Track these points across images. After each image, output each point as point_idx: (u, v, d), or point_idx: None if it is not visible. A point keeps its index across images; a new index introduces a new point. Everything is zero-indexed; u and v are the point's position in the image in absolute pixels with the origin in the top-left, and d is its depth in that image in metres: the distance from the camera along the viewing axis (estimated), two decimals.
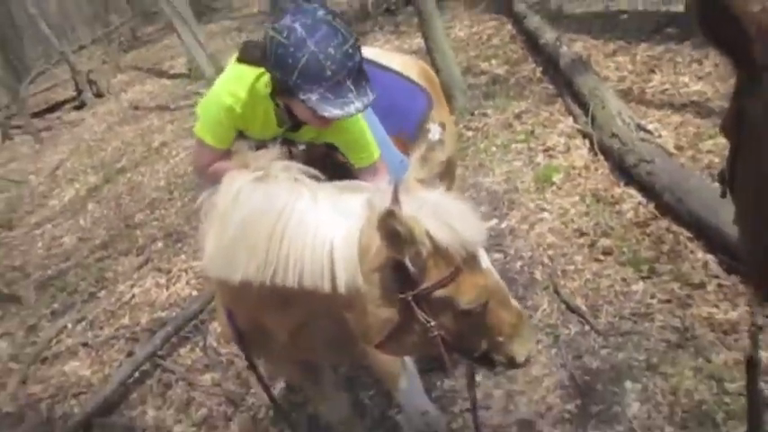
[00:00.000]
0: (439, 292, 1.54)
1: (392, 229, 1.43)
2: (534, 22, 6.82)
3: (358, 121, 2.06)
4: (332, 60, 1.67)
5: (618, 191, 4.02)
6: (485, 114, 5.61)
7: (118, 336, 4.64)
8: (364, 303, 1.60)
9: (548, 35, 6.21)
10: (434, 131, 1.71)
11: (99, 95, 12.88)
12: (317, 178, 1.78)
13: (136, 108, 11.19)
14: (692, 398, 2.64)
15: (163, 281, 5.17)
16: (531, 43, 6.68)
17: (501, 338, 1.65)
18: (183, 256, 5.40)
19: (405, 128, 2.49)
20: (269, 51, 1.73)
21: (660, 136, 4.25)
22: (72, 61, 13.08)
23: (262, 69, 1.91)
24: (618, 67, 5.55)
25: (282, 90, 1.81)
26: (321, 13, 1.71)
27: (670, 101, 4.68)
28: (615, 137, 4.22)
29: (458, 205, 1.58)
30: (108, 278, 5.57)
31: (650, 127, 4.31)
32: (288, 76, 1.71)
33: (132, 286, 5.26)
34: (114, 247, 6.17)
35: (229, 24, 15.60)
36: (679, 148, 4.12)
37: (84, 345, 4.69)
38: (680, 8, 5.99)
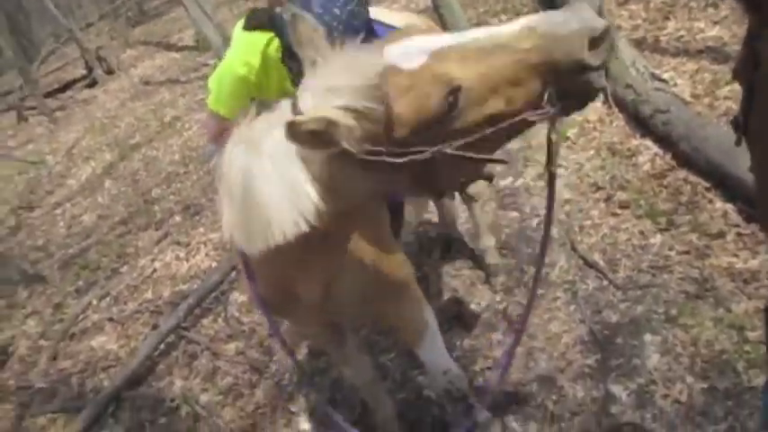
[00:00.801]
0: (402, 132, 1.33)
1: (306, 135, 1.27)
2: None
3: None
4: (338, 21, 1.66)
5: (634, 143, 3.95)
6: None
7: (142, 309, 4.73)
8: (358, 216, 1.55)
9: None
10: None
11: (109, 72, 12.90)
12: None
13: (146, 83, 11.20)
14: (712, 348, 2.63)
15: (182, 254, 5.23)
16: None
17: (543, 68, 1.31)
18: (201, 229, 5.45)
19: None
20: (276, 18, 1.74)
21: (676, 84, 4.15)
22: (80, 39, 13.08)
23: (271, 34, 1.90)
24: (631, 16, 5.41)
25: (292, 53, 1.77)
26: None
27: (685, 48, 4.56)
28: (630, 87, 4.13)
29: (345, 63, 1.37)
30: (129, 253, 5.65)
31: (665, 76, 4.21)
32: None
33: (153, 260, 5.33)
34: (133, 222, 6.24)
35: None
36: (695, 96, 4.02)
37: (110, 320, 4.79)
38: None
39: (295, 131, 1.26)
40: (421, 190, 1.53)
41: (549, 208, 1.65)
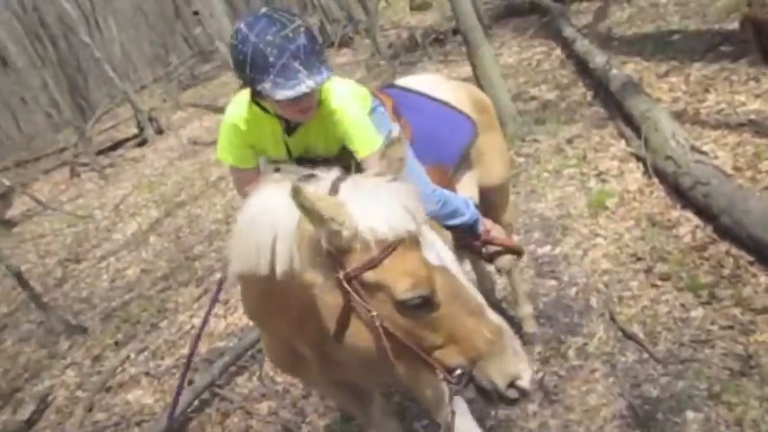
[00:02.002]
0: (370, 276, 1.55)
1: (299, 204, 1.49)
2: (583, 45, 6.79)
3: (351, 114, 2.08)
4: (272, 46, 1.77)
5: (674, 214, 3.93)
6: (536, 140, 5.60)
7: (178, 365, 4.77)
8: (315, 292, 1.65)
9: (597, 59, 6.17)
10: (395, 130, 1.79)
11: (159, 132, 13.41)
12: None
13: (194, 143, 11.60)
14: (758, 428, 2.53)
15: (221, 311, 5.29)
16: (581, 67, 6.65)
17: (476, 356, 1.57)
18: (240, 288, 5.51)
19: (445, 157, 2.54)
20: (232, 63, 1.88)
21: (716, 157, 4.15)
22: (134, 100, 13.68)
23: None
24: (671, 88, 5.46)
25: (252, 91, 1.92)
26: (263, 10, 1.85)
27: (726, 121, 4.57)
28: (670, 159, 4.14)
29: (391, 191, 1.59)
30: (169, 309, 5.75)
31: (706, 148, 4.22)
32: (244, 74, 1.83)
33: (192, 317, 5.41)
34: (175, 278, 6.37)
35: None
36: (737, 168, 4.01)
37: (147, 374, 4.84)
38: (734, 26, 5.86)
39: (294, 198, 1.47)
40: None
41: None
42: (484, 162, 2.86)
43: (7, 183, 12.26)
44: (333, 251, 1.55)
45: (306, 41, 1.81)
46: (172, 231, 7.85)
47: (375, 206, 1.54)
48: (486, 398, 1.63)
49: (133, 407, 4.54)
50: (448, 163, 2.57)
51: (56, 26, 20.86)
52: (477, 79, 5.76)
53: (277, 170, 2.00)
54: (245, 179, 2.16)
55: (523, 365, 1.58)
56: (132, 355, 5.20)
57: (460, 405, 2.30)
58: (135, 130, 13.97)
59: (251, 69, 1.80)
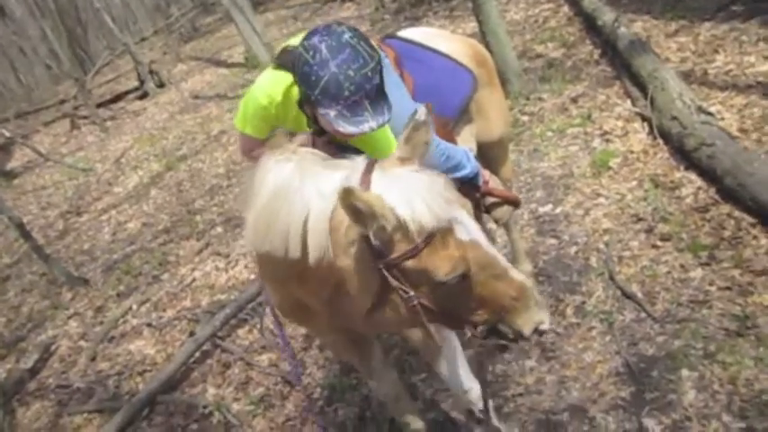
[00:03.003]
0: (411, 264, 1.62)
1: (352, 206, 1.52)
2: (591, 3, 6.64)
3: (381, 134, 2.09)
4: (351, 82, 1.74)
5: (677, 175, 3.92)
6: (540, 99, 5.54)
7: (180, 317, 4.83)
8: (347, 275, 1.72)
9: (606, 16, 6.05)
10: (420, 112, 1.75)
11: (160, 85, 13.26)
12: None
13: (195, 97, 11.49)
14: (751, 387, 2.57)
15: (222, 265, 5.33)
16: (589, 24, 6.52)
17: (503, 312, 1.72)
18: (241, 241, 5.54)
19: (445, 109, 2.54)
20: (297, 67, 1.83)
21: (723, 119, 4.11)
22: (134, 52, 13.49)
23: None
24: (679, 48, 5.37)
25: (306, 102, 1.90)
26: (347, 36, 1.77)
27: (734, 82, 4.51)
28: (675, 120, 4.10)
29: (428, 182, 1.63)
30: (170, 262, 5.79)
31: (712, 109, 4.17)
32: (311, 91, 1.79)
33: (193, 270, 5.45)
34: (176, 231, 6.39)
35: (285, 13, 15.75)
36: (743, 131, 3.97)
37: (149, 325, 4.90)
38: None
39: (346, 199, 1.50)
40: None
41: None
42: (483, 116, 2.85)
43: (7, 134, 12.20)
44: (376, 245, 1.61)
45: (379, 81, 1.81)
46: (173, 185, 7.84)
47: (415, 198, 1.58)
48: (505, 341, 1.79)
49: (135, 357, 4.61)
50: (448, 115, 2.57)
51: None
52: (483, 35, 5.66)
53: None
54: (255, 145, 2.24)
55: (544, 312, 1.76)
56: (134, 307, 5.25)
57: (456, 354, 2.39)
58: (135, 83, 13.81)
59: (320, 93, 1.77)
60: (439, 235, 1.61)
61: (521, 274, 1.73)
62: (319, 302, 2.01)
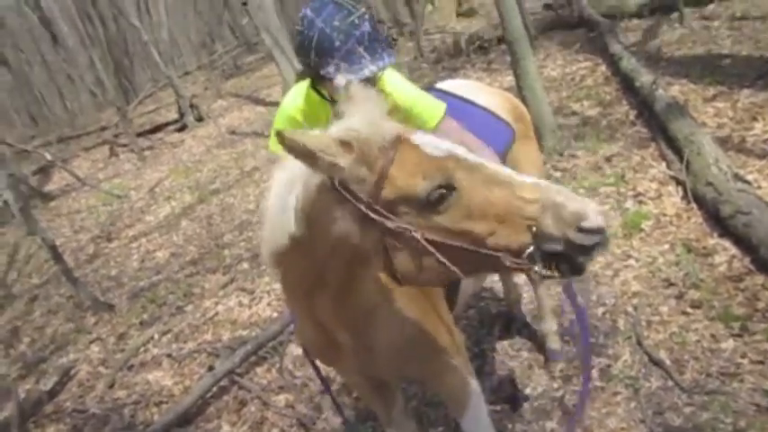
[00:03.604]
0: (387, 193, 1.46)
1: (289, 150, 1.43)
2: (630, 63, 6.68)
3: (407, 92, 2.15)
4: (338, 31, 1.85)
5: (711, 242, 3.85)
6: (574, 156, 5.53)
7: (200, 350, 4.83)
8: (345, 241, 1.56)
9: (644, 78, 6.07)
10: (339, 80, 1.84)
11: (199, 119, 13.58)
12: None
13: (232, 133, 11.73)
14: None
15: (246, 300, 5.35)
16: (626, 85, 6.55)
17: (530, 223, 1.39)
18: (266, 278, 5.57)
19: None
20: (296, 48, 1.94)
21: (760, 187, 4.05)
22: (177, 86, 13.87)
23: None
24: (717, 114, 5.35)
25: (312, 77, 1.98)
26: None
27: None
28: (710, 185, 4.06)
29: (368, 99, 1.57)
30: (195, 293, 5.82)
31: (749, 177, 4.12)
32: (308, 59, 1.90)
33: (217, 303, 5.47)
34: (203, 264, 6.44)
35: None
36: None
37: (169, 356, 4.91)
38: None
39: (287, 143, 1.41)
40: (380, 262, 1.58)
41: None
42: (519, 169, 2.84)
43: (49, 157, 12.54)
44: (345, 189, 1.47)
45: (370, 28, 1.89)
46: (204, 217, 7.94)
47: (367, 119, 1.50)
48: (564, 267, 1.41)
49: (153, 387, 4.60)
50: None
51: (107, 7, 21.30)
52: (520, 90, 5.71)
53: None
54: None
55: (581, 202, 1.38)
56: (156, 336, 5.27)
57: (480, 408, 2.29)
58: (175, 115, 14.17)
59: (316, 53, 1.87)
60: (399, 155, 1.47)
61: (532, 177, 1.47)
62: (345, 327, 1.93)
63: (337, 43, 1.85)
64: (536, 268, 1.41)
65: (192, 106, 13.68)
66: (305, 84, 2.13)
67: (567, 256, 1.39)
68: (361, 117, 1.51)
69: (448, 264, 1.45)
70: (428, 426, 3.27)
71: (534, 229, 1.38)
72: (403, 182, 1.45)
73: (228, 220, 7.53)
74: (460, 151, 1.50)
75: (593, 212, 1.36)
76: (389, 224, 1.45)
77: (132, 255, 7.56)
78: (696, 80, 6.12)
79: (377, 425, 3.29)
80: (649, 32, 8.17)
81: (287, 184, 1.64)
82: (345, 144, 1.46)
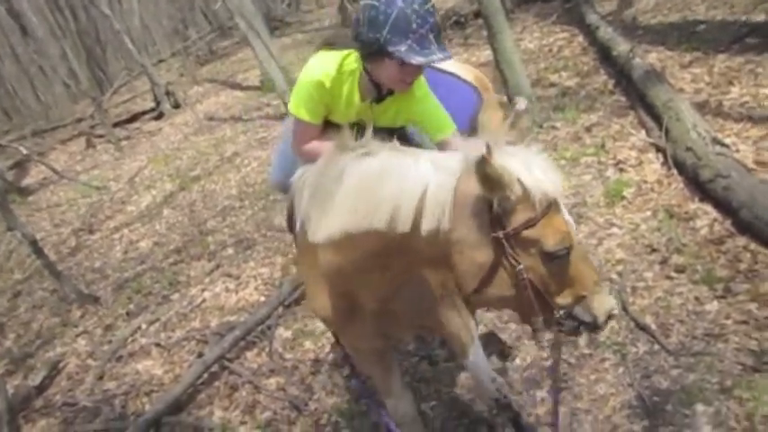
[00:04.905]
0: (527, 233, 1.69)
1: (485, 173, 1.60)
2: (607, 33, 6.68)
3: (432, 96, 2.26)
4: (417, 15, 1.91)
5: (692, 207, 3.89)
6: (554, 127, 5.54)
7: (188, 338, 4.82)
8: (460, 248, 1.74)
9: (621, 47, 6.08)
10: (520, 103, 1.90)
11: (176, 107, 13.42)
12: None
13: (210, 119, 11.60)
14: None
15: (232, 286, 5.33)
16: (604, 55, 6.55)
17: (584, 295, 1.77)
18: (252, 263, 5.55)
19: (456, 122, 2.55)
20: (361, 19, 1.97)
21: (738, 150, 4.09)
22: (152, 74, 13.67)
23: (347, 51, 2.15)
24: (694, 79, 5.37)
25: (372, 51, 2.00)
26: None
27: (749, 114, 4.49)
28: (690, 151, 4.08)
29: (541, 158, 1.73)
30: (181, 282, 5.79)
31: (727, 141, 4.15)
32: (379, 32, 1.93)
33: (203, 290, 5.45)
34: (187, 252, 6.40)
35: (301, 38, 15.97)
36: (759, 163, 3.94)
37: (157, 345, 4.89)
38: (761, 17, 5.76)
39: (482, 166, 1.59)
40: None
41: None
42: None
43: (24, 151, 12.33)
44: (498, 212, 1.68)
45: (437, 21, 1.97)
46: (186, 205, 7.88)
47: (535, 168, 1.68)
48: (576, 330, 1.85)
49: (143, 376, 4.59)
50: (459, 128, 2.59)
51: None
52: (498, 64, 5.69)
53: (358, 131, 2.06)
54: (310, 134, 2.27)
55: (613, 298, 1.85)
56: (143, 326, 5.24)
57: (479, 349, 2.59)
58: (152, 104, 13.99)
59: (390, 31, 1.92)
60: (553, 207, 1.71)
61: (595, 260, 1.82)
62: (380, 298, 2.09)
63: (414, 25, 1.91)
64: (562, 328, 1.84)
65: (167, 94, 13.50)
66: (340, 54, 2.16)
67: (587, 326, 1.83)
68: (537, 167, 1.69)
69: (531, 299, 1.74)
70: (420, 400, 3.28)
71: (579, 300, 1.78)
72: (543, 233, 1.69)
73: (211, 206, 7.47)
74: (571, 222, 1.80)
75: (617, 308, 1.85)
76: (511, 254, 1.70)
77: (115, 246, 7.49)
78: (672, 47, 6.14)
79: (369, 404, 3.30)
80: (624, 1, 8.15)
81: (401, 177, 1.75)
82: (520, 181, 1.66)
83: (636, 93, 5.34)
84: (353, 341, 2.44)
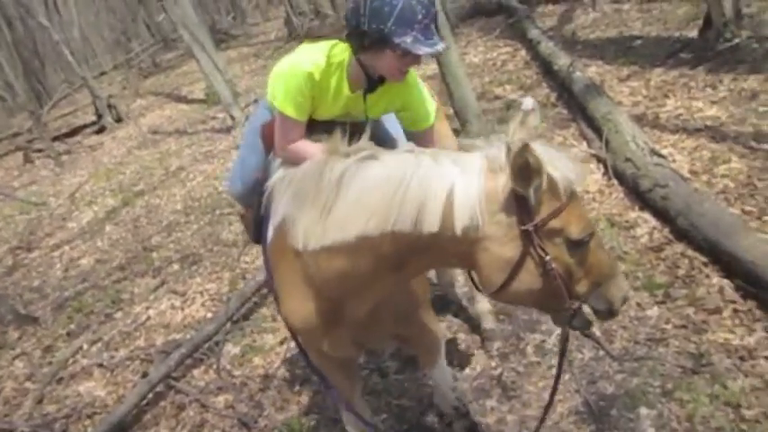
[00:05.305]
0: (553, 223, 1.70)
1: (526, 163, 1.60)
2: (548, 48, 6.88)
3: (420, 83, 2.29)
4: (421, 5, 1.90)
5: (632, 215, 4.01)
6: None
7: (133, 357, 4.68)
8: (487, 245, 1.73)
9: (561, 61, 6.25)
10: (527, 102, 1.90)
11: (118, 120, 13.13)
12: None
13: (154, 132, 11.39)
14: (708, 425, 2.60)
15: (178, 303, 5.21)
16: (545, 69, 6.73)
17: (602, 281, 1.80)
18: (198, 279, 5.44)
19: (400, 137, 2.59)
20: (362, 9, 1.93)
21: (674, 161, 4.25)
22: (93, 86, 13.34)
23: (334, 41, 2.11)
24: (632, 92, 5.57)
25: (372, 42, 1.97)
26: None
27: (684, 126, 4.68)
28: (629, 161, 4.22)
29: (561, 150, 1.79)
30: (124, 300, 5.63)
31: (664, 152, 4.31)
32: (383, 24, 1.90)
33: (148, 308, 5.31)
34: (131, 268, 6.23)
35: (247, 51, 15.86)
36: (694, 172, 4.11)
37: (100, 366, 4.73)
38: (693, 33, 6.02)
39: (522, 153, 1.59)
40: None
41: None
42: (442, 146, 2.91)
43: None
44: (533, 203, 1.68)
45: (436, 9, 1.97)
46: (129, 221, 7.68)
47: (558, 160, 1.70)
48: (584, 324, 1.88)
49: (84, 398, 4.42)
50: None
51: (12, 7, 20.22)
52: (444, 77, 5.77)
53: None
54: (296, 132, 2.19)
55: (626, 281, 1.91)
56: (85, 346, 5.07)
57: (443, 357, 2.66)
58: (93, 117, 13.64)
59: (395, 22, 1.89)
60: (575, 195, 1.73)
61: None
62: (372, 305, 2.06)
63: (419, 16, 1.89)
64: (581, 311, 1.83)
65: (109, 107, 13.21)
66: (326, 44, 2.12)
67: (601, 313, 1.87)
68: (562, 158, 1.72)
69: (561, 286, 1.73)
70: (372, 413, 3.27)
71: (595, 287, 1.79)
72: (568, 221, 1.71)
73: (155, 221, 7.31)
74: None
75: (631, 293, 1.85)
76: (539, 245, 1.70)
77: (55, 264, 7.23)
78: (611, 61, 6.35)
79: (318, 419, 3.27)
80: (564, 17, 8.41)
81: (424, 178, 1.73)
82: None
83: (577, 105, 5.50)
84: (330, 349, 2.38)
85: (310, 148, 2.11)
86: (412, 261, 1.88)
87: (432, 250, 1.80)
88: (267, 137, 2.36)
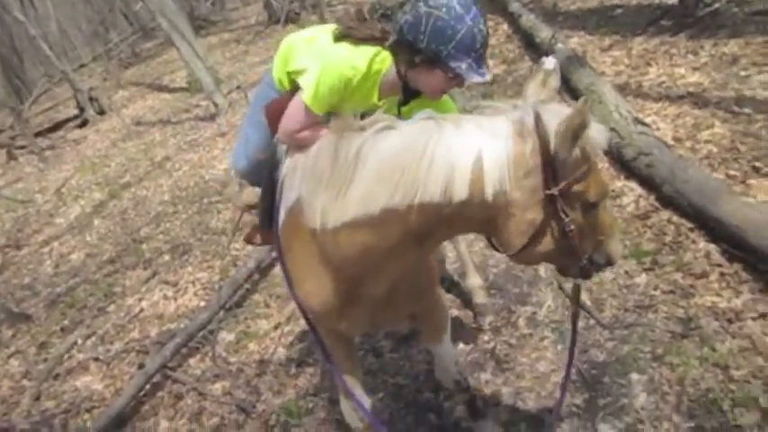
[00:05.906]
0: (577, 187, 1.72)
1: (583, 125, 1.61)
2: (529, 20, 6.85)
3: (451, 99, 2.35)
4: (481, 35, 1.94)
5: (618, 184, 4.03)
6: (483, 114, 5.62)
7: (128, 349, 4.69)
8: (510, 210, 1.73)
9: (543, 33, 6.24)
10: (549, 62, 1.92)
11: (101, 112, 13.00)
12: None
13: (138, 123, 11.29)
14: (698, 387, 2.65)
15: (170, 293, 5.21)
16: (527, 42, 6.71)
17: (602, 237, 1.87)
18: (189, 268, 5.44)
19: None
20: (423, 27, 1.92)
21: (658, 128, 4.26)
22: (73, 80, 13.18)
23: (376, 49, 2.09)
24: (614, 62, 5.57)
25: (424, 60, 1.97)
26: None
27: (667, 93, 4.69)
28: (613, 131, 4.23)
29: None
30: (116, 293, 5.62)
31: (648, 120, 4.33)
32: (444, 45, 1.91)
33: (140, 300, 5.31)
34: (121, 261, 6.22)
35: (228, 36, 15.70)
36: (677, 139, 4.13)
37: (96, 359, 4.73)
38: (674, 0, 6.01)
39: (584, 110, 1.58)
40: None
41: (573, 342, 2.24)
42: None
43: None
44: (556, 169, 1.68)
45: (488, 43, 2.00)
46: (117, 214, 7.64)
47: (594, 125, 1.69)
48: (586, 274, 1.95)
49: (82, 393, 4.44)
50: None
51: None
52: None
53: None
54: (308, 123, 2.13)
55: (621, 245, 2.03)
56: (80, 341, 5.07)
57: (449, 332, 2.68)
58: (75, 111, 13.49)
59: (455, 46, 1.90)
60: (595, 166, 1.74)
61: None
62: (393, 281, 2.05)
63: (477, 45, 1.92)
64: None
65: (91, 99, 13.05)
66: (371, 50, 2.09)
67: (599, 267, 1.96)
68: (594, 126, 1.69)
69: (577, 248, 1.80)
70: (368, 392, 3.29)
71: (597, 244, 1.88)
72: (589, 184, 1.74)
73: (143, 213, 7.28)
74: None
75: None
76: (562, 208, 1.71)
77: (45, 260, 7.20)
78: (592, 31, 6.34)
79: (315, 401, 3.29)
80: None
81: (449, 145, 1.69)
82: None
83: (560, 77, 5.48)
84: (347, 329, 2.37)
85: (316, 135, 2.07)
86: (437, 232, 1.85)
87: (458, 219, 1.77)
88: (271, 115, 2.32)
